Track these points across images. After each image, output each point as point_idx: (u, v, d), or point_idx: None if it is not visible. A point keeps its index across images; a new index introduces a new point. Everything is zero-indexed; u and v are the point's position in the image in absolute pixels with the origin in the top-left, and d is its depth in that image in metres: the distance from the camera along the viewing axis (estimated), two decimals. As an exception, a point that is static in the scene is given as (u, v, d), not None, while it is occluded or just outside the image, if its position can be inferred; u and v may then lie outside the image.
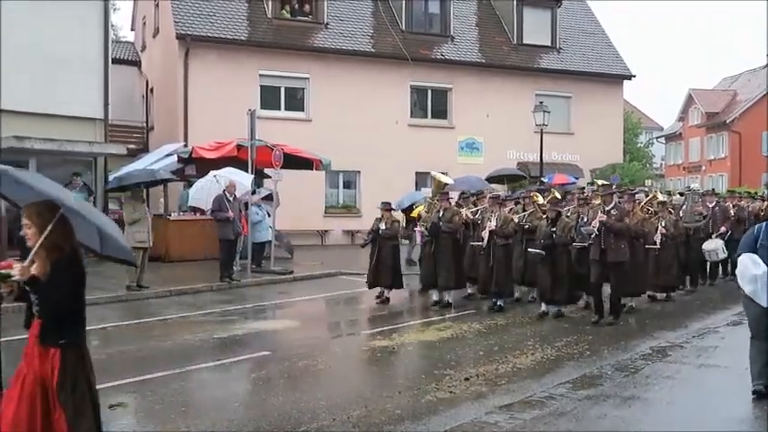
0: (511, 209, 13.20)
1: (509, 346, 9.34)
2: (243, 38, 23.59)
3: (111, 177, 18.04)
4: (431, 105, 26.67)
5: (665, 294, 13.20)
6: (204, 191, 16.65)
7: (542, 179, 22.50)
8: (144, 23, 29.22)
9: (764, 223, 6.74)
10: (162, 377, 7.87)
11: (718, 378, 7.77)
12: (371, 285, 13.14)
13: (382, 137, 24.38)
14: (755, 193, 21.80)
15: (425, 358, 8.79)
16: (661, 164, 58.71)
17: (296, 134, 21.40)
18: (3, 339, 9.54)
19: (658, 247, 12.73)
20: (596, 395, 7.04)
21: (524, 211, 13.01)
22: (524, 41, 28.06)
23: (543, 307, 11.46)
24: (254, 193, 17.00)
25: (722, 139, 47.73)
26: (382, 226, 12.97)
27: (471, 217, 13.06)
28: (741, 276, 6.50)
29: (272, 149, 17.02)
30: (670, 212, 13.77)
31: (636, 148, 45.72)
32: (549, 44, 28.57)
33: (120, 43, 32.49)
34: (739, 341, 8.91)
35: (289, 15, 24.77)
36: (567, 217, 11.83)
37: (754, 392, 6.49)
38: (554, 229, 11.29)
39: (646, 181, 28.53)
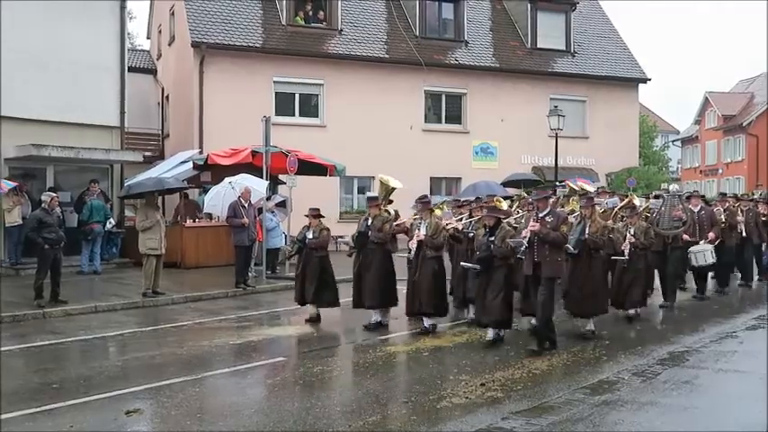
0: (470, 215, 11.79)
1: (524, 350, 9.29)
2: (257, 45, 23.69)
3: (125, 184, 18.18)
4: (445, 110, 26.63)
5: (633, 311, 11.64)
6: (219, 197, 16.73)
7: (557, 182, 22.37)
8: (159, 31, 29.43)
9: None
10: (178, 383, 7.90)
11: (736, 383, 7.69)
12: (300, 302, 11.77)
13: (396, 142, 24.38)
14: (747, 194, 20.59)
15: (440, 364, 8.76)
16: (677, 167, 58.34)
17: (310, 140, 21.44)
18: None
19: (627, 258, 11.46)
20: (613, 400, 6.99)
21: (471, 217, 11.60)
22: (538, 45, 27.99)
23: (490, 334, 9.79)
24: (268, 199, 17.06)
25: (739, 141, 47.38)
26: (309, 235, 11.64)
27: (409, 224, 11.25)
28: None
29: (287, 156, 17.07)
30: (647, 217, 12.82)
31: (652, 152, 45.46)
32: (564, 48, 28.47)
33: (136, 51, 32.77)
34: (758, 345, 8.84)
35: (303, 22, 24.86)
36: (516, 223, 10.48)
37: None
38: (492, 238, 9.62)
39: (662, 184, 28.35)
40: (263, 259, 16.24)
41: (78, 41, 18.06)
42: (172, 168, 19.35)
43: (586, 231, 10.11)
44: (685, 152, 56.69)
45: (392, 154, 23.96)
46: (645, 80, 29.46)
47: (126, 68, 19.66)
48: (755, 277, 16.17)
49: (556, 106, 24.46)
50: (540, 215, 9.27)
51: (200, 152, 20.63)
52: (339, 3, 25.14)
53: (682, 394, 7.23)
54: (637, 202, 13.14)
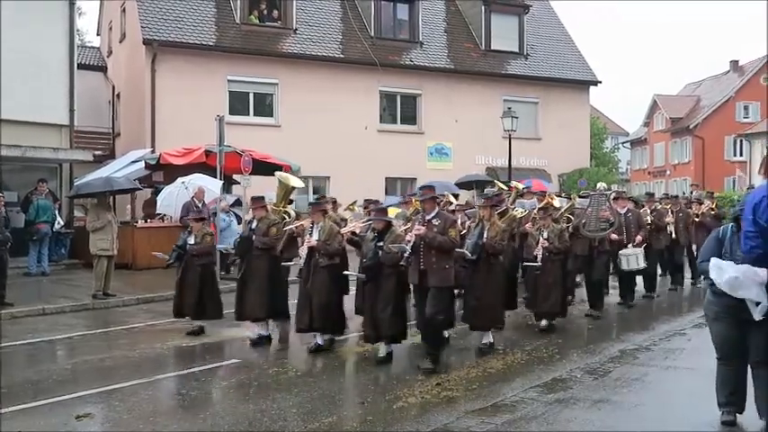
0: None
1: (480, 350, 9.36)
2: (211, 43, 23.43)
3: (75, 184, 17.81)
4: (400, 111, 26.73)
5: (545, 322, 10.64)
6: (173, 197, 16.49)
7: (509, 184, 22.55)
8: (110, 28, 28.89)
9: (728, 227, 6.01)
10: (129, 386, 7.76)
11: (684, 380, 7.88)
12: (176, 314, 10.75)
13: (352, 142, 24.39)
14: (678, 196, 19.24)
15: (397, 364, 8.77)
16: (627, 168, 59.59)
17: (265, 140, 21.30)
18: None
19: (539, 264, 10.58)
20: (566, 398, 7.09)
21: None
22: (492, 47, 28.27)
23: (382, 350, 8.84)
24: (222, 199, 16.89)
25: (686, 143, 48.61)
26: (191, 240, 10.64)
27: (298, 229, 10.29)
28: (724, 286, 5.65)
29: (241, 155, 16.92)
30: (570, 218, 12.09)
31: (602, 153, 46.41)
32: (517, 50, 28.82)
33: (86, 48, 32.10)
34: (705, 343, 9.01)
35: (257, 21, 24.67)
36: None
37: (723, 423, 6.05)
38: (380, 244, 8.68)
39: (612, 185, 28.83)
40: (217, 260, 16.04)
41: (26, 38, 17.62)
42: (123, 168, 19.01)
43: (485, 235, 9.28)
44: (634, 153, 57.96)
45: (347, 154, 24.01)
46: (595, 83, 30.00)
47: (75, 65, 19.29)
48: (690, 280, 15.59)
49: (509, 108, 24.74)
50: (427, 218, 8.38)
51: (153, 151, 20.32)
52: (294, 2, 25.03)
53: (633, 391, 7.36)
54: (557, 203, 12.43)
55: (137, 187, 17.03)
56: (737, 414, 6.09)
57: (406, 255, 8.25)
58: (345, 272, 9.64)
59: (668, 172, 50.24)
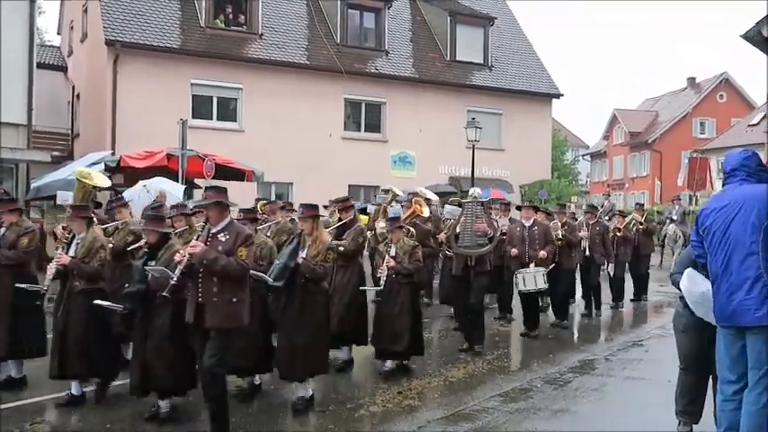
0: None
1: (441, 359, 9.40)
2: (175, 46, 23.20)
3: (32, 186, 17.45)
4: (364, 119, 26.78)
5: (389, 363, 8.57)
6: (134, 200, 16.22)
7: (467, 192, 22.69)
8: (71, 28, 28.44)
9: None
10: (85, 392, 7.59)
11: (642, 390, 7.98)
12: None
13: (316, 149, 24.34)
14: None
15: (357, 373, 8.75)
16: (586, 181, 60.47)
17: (228, 144, 21.14)
18: None
19: (381, 288, 8.46)
20: (527, 408, 7.15)
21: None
22: (457, 58, 28.50)
23: (162, 404, 6.77)
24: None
25: (644, 157, 49.58)
26: None
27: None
28: (689, 298, 5.56)
29: (204, 160, 16.75)
30: (438, 231, 10.46)
31: (563, 165, 47.00)
32: (482, 62, 29.11)
33: (46, 47, 31.58)
34: (662, 354, 9.22)
35: (222, 24, 24.52)
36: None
37: None
38: (152, 263, 6.65)
39: (572, 197, 29.29)
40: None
41: (-17, 34, 17.27)
42: (82, 170, 18.65)
43: (301, 254, 7.09)
44: (594, 166, 58.88)
45: (311, 161, 23.95)
46: (557, 95, 30.42)
47: (34, 64, 18.92)
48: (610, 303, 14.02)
49: (473, 118, 24.93)
50: (212, 231, 6.18)
51: (113, 154, 19.99)
52: (260, 6, 24.94)
53: (592, 401, 7.46)
54: (426, 211, 11.03)
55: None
56: (693, 424, 6.20)
57: (172, 281, 6.06)
58: (99, 300, 6.92)
59: (627, 185, 51.16)
